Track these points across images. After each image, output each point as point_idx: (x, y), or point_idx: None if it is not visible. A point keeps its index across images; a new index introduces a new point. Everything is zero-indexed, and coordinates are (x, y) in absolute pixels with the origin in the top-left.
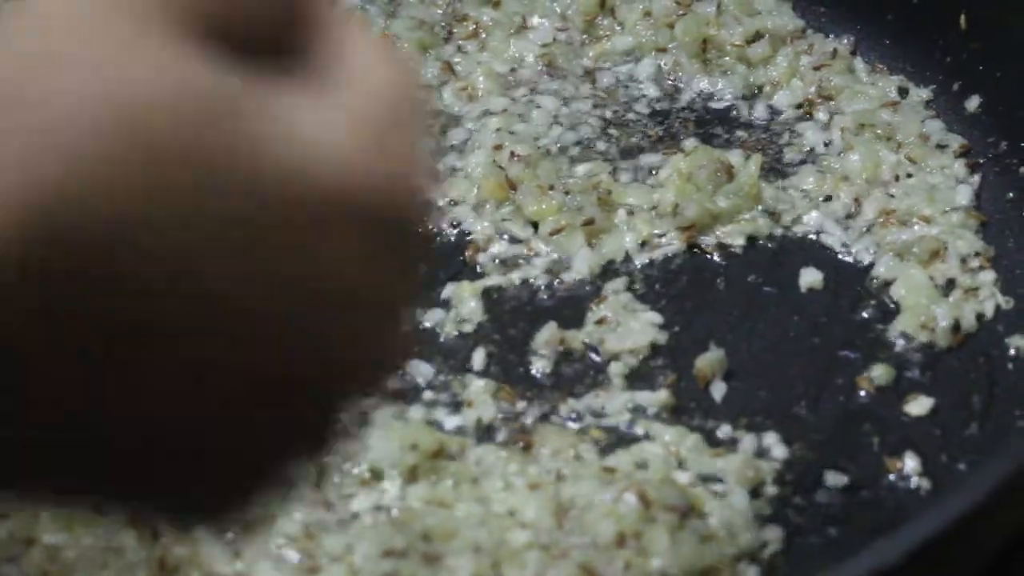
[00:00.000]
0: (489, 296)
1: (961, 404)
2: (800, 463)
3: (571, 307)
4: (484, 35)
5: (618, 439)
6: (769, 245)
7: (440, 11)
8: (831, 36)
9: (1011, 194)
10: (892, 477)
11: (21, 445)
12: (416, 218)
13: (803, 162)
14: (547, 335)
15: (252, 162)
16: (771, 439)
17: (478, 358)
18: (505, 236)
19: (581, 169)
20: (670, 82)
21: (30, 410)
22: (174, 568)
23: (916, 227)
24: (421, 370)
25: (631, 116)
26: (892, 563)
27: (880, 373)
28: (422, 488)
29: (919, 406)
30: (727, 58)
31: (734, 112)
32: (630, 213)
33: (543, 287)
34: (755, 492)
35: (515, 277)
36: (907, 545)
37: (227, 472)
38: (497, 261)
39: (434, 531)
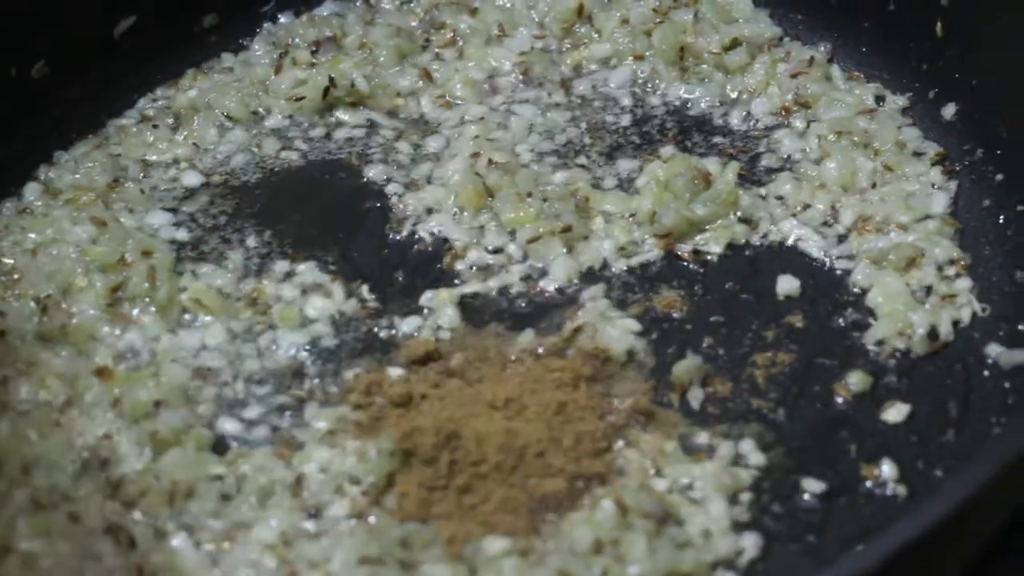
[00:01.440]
0: (466, 303)
1: (938, 411)
2: (777, 470)
3: (549, 314)
4: (462, 43)
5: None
6: (746, 252)
7: (418, 19)
8: (808, 44)
9: (987, 201)
10: (869, 484)
11: None
12: None
13: (780, 169)
14: (525, 342)
15: None
16: (748, 446)
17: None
18: (483, 243)
19: (559, 176)
20: (648, 89)
21: None
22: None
23: (892, 234)
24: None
25: (608, 123)
26: (871, 569)
27: (857, 380)
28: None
29: (896, 413)
30: (704, 65)
31: (711, 119)
32: (608, 220)
33: (521, 294)
34: (732, 499)
35: (493, 284)
36: (885, 551)
37: None
38: (475, 268)
39: (411, 538)
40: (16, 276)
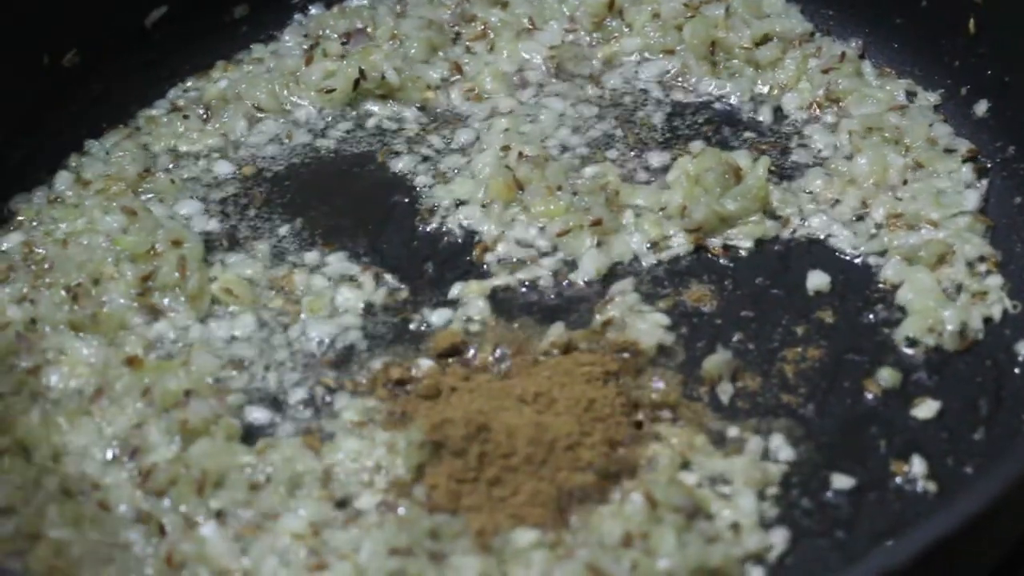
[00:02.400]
0: (496, 296)
1: (968, 408)
2: (807, 465)
3: (578, 307)
4: (492, 36)
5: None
6: (776, 248)
7: (449, 12)
8: (839, 39)
9: (1018, 198)
10: (899, 480)
11: None
12: None
13: (811, 165)
14: (555, 335)
15: None
16: (778, 441)
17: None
18: (512, 236)
19: (589, 170)
20: (678, 84)
21: None
22: (181, 564)
23: (923, 231)
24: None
25: (639, 117)
26: (900, 565)
27: (887, 376)
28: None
29: (926, 409)
30: (735, 60)
31: (742, 114)
32: (638, 214)
33: (550, 287)
34: (762, 494)
35: (522, 277)
36: (915, 548)
37: None
38: (504, 261)
39: (440, 530)
40: (47, 265)
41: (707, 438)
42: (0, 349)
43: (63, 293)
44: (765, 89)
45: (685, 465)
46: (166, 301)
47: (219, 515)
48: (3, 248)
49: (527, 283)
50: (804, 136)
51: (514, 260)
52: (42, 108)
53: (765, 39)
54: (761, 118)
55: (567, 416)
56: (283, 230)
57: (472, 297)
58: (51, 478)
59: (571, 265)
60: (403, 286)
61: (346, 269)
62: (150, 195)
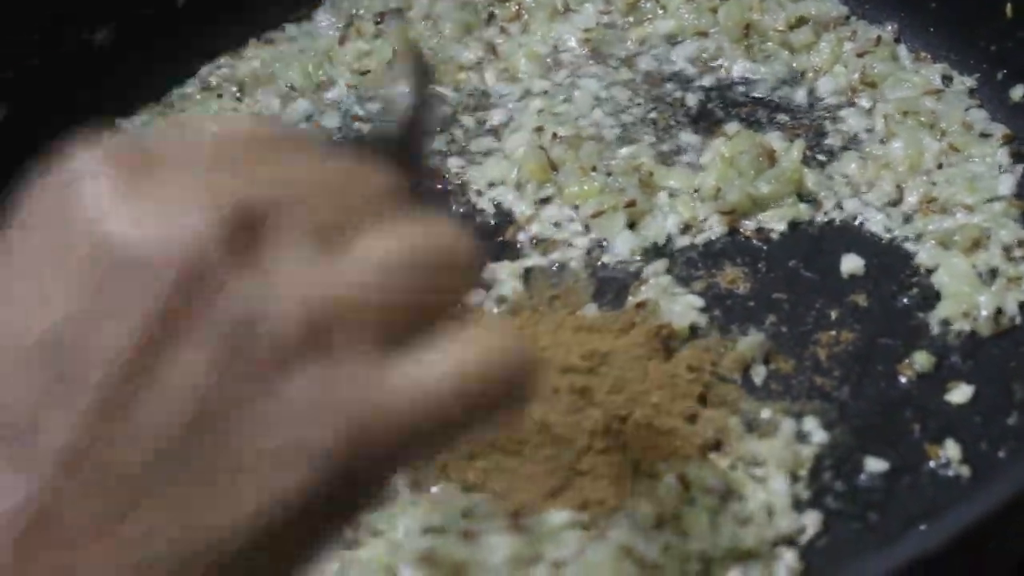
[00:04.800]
0: (529, 276)
1: (1002, 392)
2: (840, 448)
3: (612, 289)
4: (526, 17)
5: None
6: (810, 231)
7: None
8: (875, 23)
9: None
10: (932, 464)
11: None
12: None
13: (845, 148)
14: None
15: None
16: (811, 424)
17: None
18: (545, 217)
19: (623, 151)
20: (712, 66)
21: None
22: None
23: (958, 215)
24: None
25: (673, 99)
26: (936, 550)
27: (921, 360)
28: None
29: (960, 394)
30: (769, 43)
31: (776, 97)
32: (671, 196)
33: (583, 268)
34: (794, 476)
35: (555, 258)
36: (949, 532)
37: None
38: (537, 242)
39: (474, 509)
40: None
41: (740, 420)
42: None
43: None
44: (799, 72)
45: (718, 447)
46: None
47: None
48: None
49: (559, 264)
50: (838, 119)
51: (547, 241)
52: (74, 86)
53: (800, 22)
54: (795, 101)
55: (599, 396)
56: None
57: (505, 277)
58: None
59: (604, 246)
60: None
61: None
62: None
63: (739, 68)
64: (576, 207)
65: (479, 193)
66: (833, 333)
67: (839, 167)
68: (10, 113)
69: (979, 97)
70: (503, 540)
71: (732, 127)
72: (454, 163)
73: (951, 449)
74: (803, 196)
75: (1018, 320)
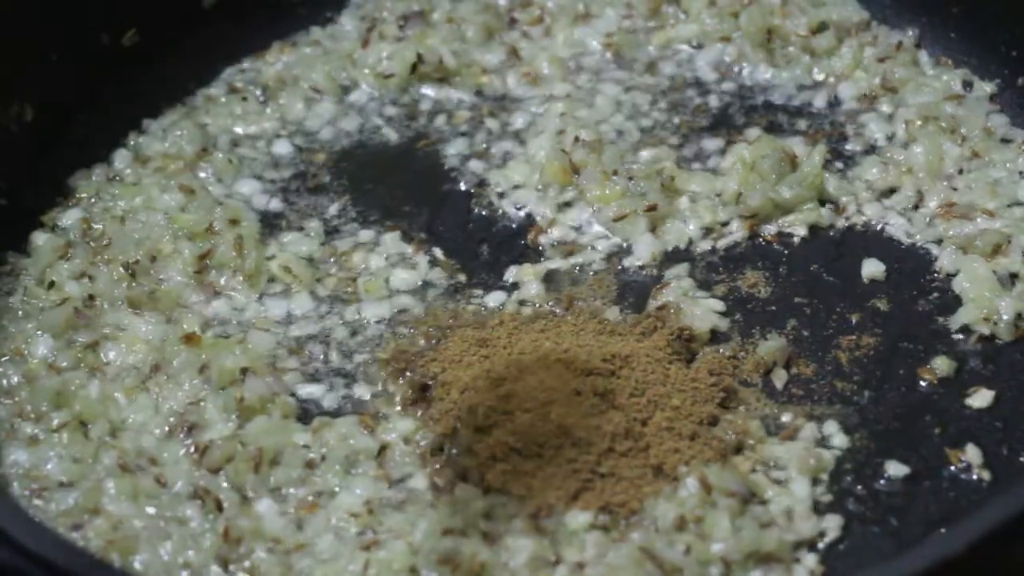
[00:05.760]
0: (551, 279)
1: (1022, 397)
2: (861, 452)
3: (633, 292)
4: (549, 21)
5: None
6: (831, 235)
7: None
8: (896, 28)
9: None
10: (953, 468)
11: None
12: None
13: (866, 153)
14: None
15: None
16: (832, 428)
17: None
18: (567, 220)
19: (645, 155)
20: (734, 71)
21: None
22: (237, 539)
23: (979, 220)
24: None
25: (694, 104)
26: (956, 554)
27: (942, 365)
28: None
29: (981, 398)
30: (791, 48)
31: (797, 102)
32: (693, 200)
33: (605, 271)
34: (815, 480)
35: (577, 261)
36: (969, 536)
37: None
38: (559, 244)
39: (494, 510)
40: (105, 242)
41: (761, 423)
42: (60, 324)
43: (121, 270)
44: (821, 77)
45: (739, 450)
46: (223, 279)
47: (275, 492)
48: (62, 224)
49: (581, 267)
50: (859, 124)
51: (568, 244)
52: (101, 87)
53: (821, 27)
54: (817, 106)
55: (621, 399)
56: (339, 210)
57: (527, 280)
58: (109, 453)
59: (626, 250)
60: (458, 268)
61: (401, 250)
62: (208, 174)
63: (761, 73)
64: (598, 210)
65: (501, 196)
66: (854, 337)
67: (860, 172)
68: (37, 113)
69: (1000, 102)
70: (524, 542)
71: (753, 132)
72: (476, 166)
73: (971, 453)
74: (824, 201)
75: None
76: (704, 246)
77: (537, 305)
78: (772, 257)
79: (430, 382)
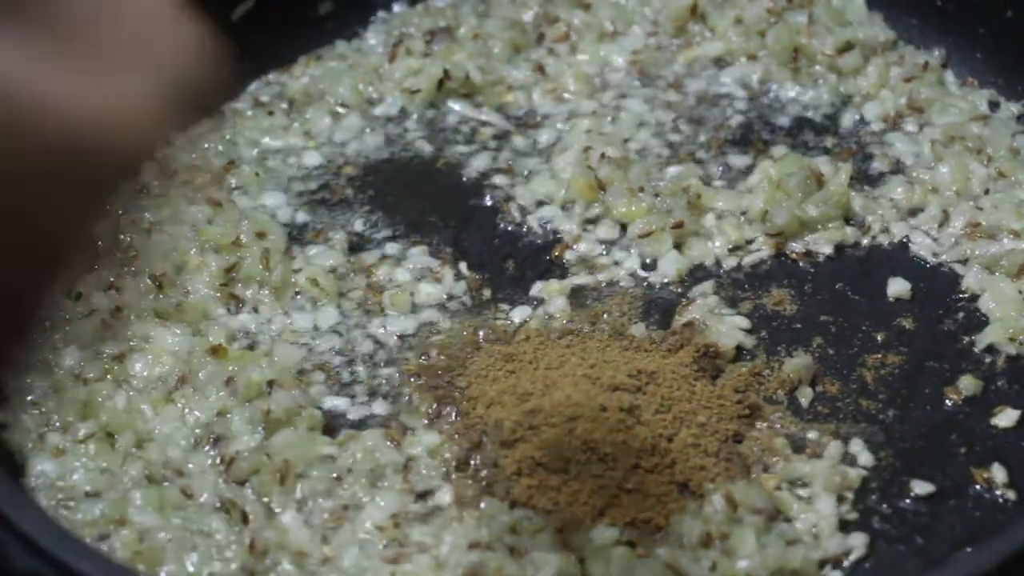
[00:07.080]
0: (576, 295)
1: None
2: (886, 471)
3: (658, 309)
4: (575, 38)
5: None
6: (857, 254)
7: (531, 12)
8: (922, 48)
9: None
10: (978, 487)
11: None
12: (123, 150)
13: (892, 172)
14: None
15: None
16: (858, 446)
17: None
18: (593, 237)
19: (671, 172)
20: (760, 89)
21: None
22: (263, 551)
23: (1005, 240)
24: None
25: (720, 121)
26: (981, 573)
27: (967, 384)
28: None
29: (1006, 418)
30: (817, 67)
31: (823, 121)
32: (719, 217)
33: (630, 288)
34: (841, 498)
35: (602, 277)
36: (995, 555)
37: None
38: (584, 261)
39: (521, 525)
40: (132, 254)
41: (786, 441)
42: (86, 336)
43: (148, 281)
44: (847, 96)
45: (765, 467)
46: (249, 292)
47: (301, 504)
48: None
49: (607, 283)
50: (885, 144)
51: (594, 260)
52: None
53: (848, 46)
54: (843, 125)
55: (647, 415)
56: (365, 224)
57: (552, 296)
58: (135, 464)
59: (651, 267)
60: (484, 283)
61: (427, 264)
62: (235, 187)
63: (787, 91)
64: (624, 227)
65: (526, 212)
66: (879, 356)
67: (886, 191)
68: None
69: None
70: (550, 557)
71: (779, 150)
72: (502, 181)
73: (997, 473)
74: (850, 219)
75: None
76: (730, 263)
77: (563, 321)
78: (798, 275)
79: (456, 396)
